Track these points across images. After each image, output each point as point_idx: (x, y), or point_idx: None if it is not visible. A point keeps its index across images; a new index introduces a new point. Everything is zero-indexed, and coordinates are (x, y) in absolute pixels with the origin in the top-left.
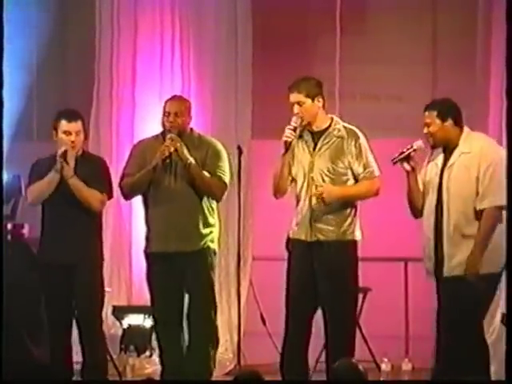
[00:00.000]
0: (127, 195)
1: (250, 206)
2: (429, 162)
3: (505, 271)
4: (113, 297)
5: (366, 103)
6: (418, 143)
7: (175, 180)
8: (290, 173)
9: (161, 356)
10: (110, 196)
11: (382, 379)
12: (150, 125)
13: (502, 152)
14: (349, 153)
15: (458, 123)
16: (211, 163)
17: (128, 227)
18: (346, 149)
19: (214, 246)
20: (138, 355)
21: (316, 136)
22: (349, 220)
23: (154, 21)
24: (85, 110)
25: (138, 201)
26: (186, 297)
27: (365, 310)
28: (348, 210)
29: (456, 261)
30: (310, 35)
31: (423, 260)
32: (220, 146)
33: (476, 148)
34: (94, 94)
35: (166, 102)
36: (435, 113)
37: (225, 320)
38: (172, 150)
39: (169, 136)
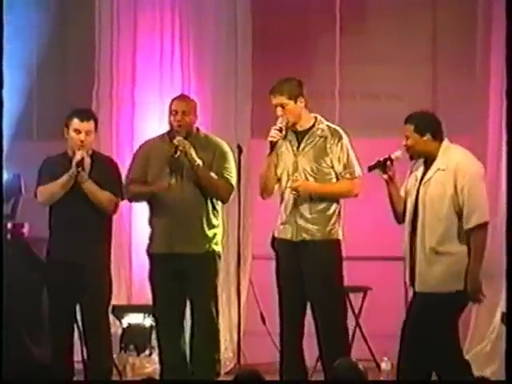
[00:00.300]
0: (131, 201)
1: (250, 204)
2: (411, 171)
3: (505, 271)
4: (113, 296)
5: (366, 102)
6: (396, 153)
7: (181, 181)
8: (276, 173)
9: (160, 356)
10: (123, 198)
11: (382, 378)
12: (150, 124)
13: (479, 167)
14: (331, 152)
15: (437, 137)
16: (218, 165)
17: (128, 227)
18: (328, 148)
19: (218, 248)
20: (138, 354)
21: (300, 136)
22: (333, 219)
23: (153, 20)
24: None
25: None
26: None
27: (365, 309)
28: (332, 210)
29: (427, 278)
30: (309, 35)
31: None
32: (227, 148)
33: (452, 164)
34: (93, 94)
35: (172, 101)
36: (412, 127)
37: (225, 319)
38: (181, 148)
39: (174, 141)
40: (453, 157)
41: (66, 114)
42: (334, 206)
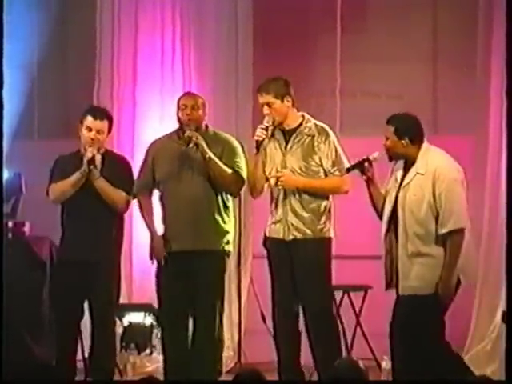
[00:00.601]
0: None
1: (250, 203)
2: (392, 170)
3: (505, 271)
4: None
5: (366, 101)
6: (374, 155)
7: (192, 177)
8: (264, 172)
9: (164, 354)
10: (134, 196)
11: (382, 377)
12: (151, 124)
13: (458, 172)
14: (319, 150)
15: (415, 141)
16: (228, 159)
17: (128, 226)
18: (316, 146)
19: (229, 248)
20: (139, 353)
21: (287, 134)
22: (324, 217)
23: (154, 19)
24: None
25: None
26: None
27: (365, 308)
28: (323, 208)
29: (409, 280)
30: (310, 33)
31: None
32: (236, 143)
33: (431, 168)
34: (94, 93)
35: (180, 97)
36: (393, 129)
37: (225, 318)
38: (194, 139)
39: (187, 133)
40: (432, 161)
41: (67, 113)
42: (325, 203)
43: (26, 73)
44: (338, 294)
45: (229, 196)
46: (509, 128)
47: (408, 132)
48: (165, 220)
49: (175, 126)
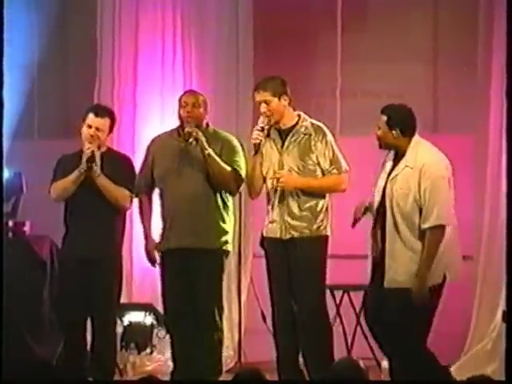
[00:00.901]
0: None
1: (251, 203)
2: (384, 161)
3: (505, 271)
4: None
5: (367, 101)
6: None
7: (191, 174)
8: (262, 172)
9: (173, 354)
10: (136, 194)
11: (382, 377)
12: (151, 124)
13: (445, 170)
14: (316, 149)
15: (406, 133)
16: (227, 157)
17: (128, 224)
18: (313, 145)
19: (228, 247)
20: (139, 352)
21: (283, 134)
22: (321, 216)
23: (155, 20)
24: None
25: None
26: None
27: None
28: (320, 206)
29: (395, 273)
30: (311, 33)
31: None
32: (236, 142)
33: (419, 163)
34: (95, 94)
35: (182, 95)
36: (385, 118)
37: (225, 318)
38: (194, 134)
39: (187, 129)
40: (421, 156)
41: (67, 113)
42: (322, 202)
43: (26, 73)
44: (337, 294)
45: (228, 195)
46: (509, 128)
47: (400, 123)
48: (163, 216)
49: (176, 125)
